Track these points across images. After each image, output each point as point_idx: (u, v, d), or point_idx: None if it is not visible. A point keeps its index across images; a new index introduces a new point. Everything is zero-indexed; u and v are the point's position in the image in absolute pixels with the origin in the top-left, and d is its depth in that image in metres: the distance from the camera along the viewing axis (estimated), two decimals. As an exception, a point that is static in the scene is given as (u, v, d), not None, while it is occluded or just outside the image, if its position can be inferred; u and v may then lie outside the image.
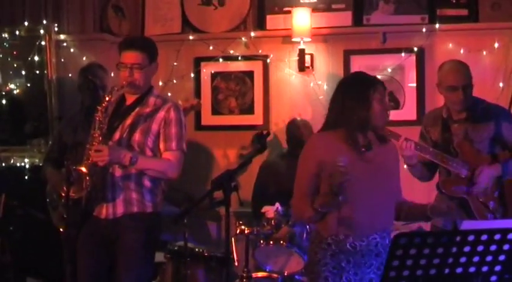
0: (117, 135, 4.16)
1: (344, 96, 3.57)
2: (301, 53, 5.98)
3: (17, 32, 6.32)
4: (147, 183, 4.18)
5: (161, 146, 4.20)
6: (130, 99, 4.26)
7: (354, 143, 3.55)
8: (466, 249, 2.83)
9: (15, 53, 6.41)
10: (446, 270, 2.86)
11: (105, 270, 4.21)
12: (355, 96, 3.52)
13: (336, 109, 3.60)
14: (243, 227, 4.83)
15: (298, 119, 5.77)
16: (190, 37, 6.26)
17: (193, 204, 4.35)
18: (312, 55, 6.06)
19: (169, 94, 6.08)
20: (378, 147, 3.62)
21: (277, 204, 4.81)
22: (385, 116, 3.57)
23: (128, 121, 4.18)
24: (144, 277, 4.20)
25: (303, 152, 3.66)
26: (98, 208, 4.20)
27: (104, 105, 4.09)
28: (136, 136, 4.15)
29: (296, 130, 5.61)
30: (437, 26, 5.85)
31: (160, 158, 4.20)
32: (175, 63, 6.26)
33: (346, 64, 6.02)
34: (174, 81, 6.27)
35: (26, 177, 6.16)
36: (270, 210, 4.82)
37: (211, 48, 6.21)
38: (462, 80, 4.46)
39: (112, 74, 5.38)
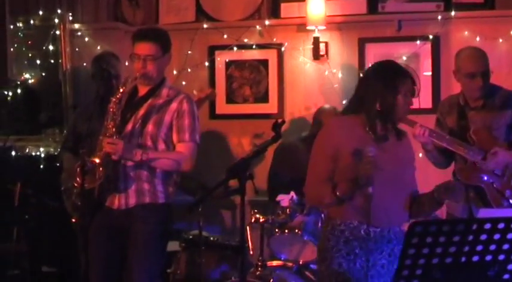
0: (129, 126, 4.17)
1: (373, 79, 3.53)
2: (316, 41, 5.95)
3: (32, 22, 6.35)
4: (159, 174, 4.19)
5: (174, 137, 4.21)
6: (143, 90, 4.27)
7: (372, 130, 3.53)
8: (483, 237, 2.81)
9: (29, 42, 6.47)
10: (463, 259, 2.84)
11: (117, 260, 4.22)
12: (384, 82, 3.48)
13: (362, 92, 3.57)
14: (257, 215, 4.84)
15: (327, 106, 5.71)
16: (205, 26, 6.23)
17: (207, 193, 4.33)
18: (326, 43, 6.02)
19: (183, 83, 6.08)
20: (394, 140, 3.60)
21: (292, 193, 4.80)
22: (406, 111, 3.55)
23: (141, 112, 4.19)
24: (155, 267, 4.21)
25: (319, 136, 3.65)
26: (110, 198, 4.21)
27: (118, 96, 4.11)
28: (149, 127, 4.16)
29: (323, 115, 5.54)
30: (452, 13, 5.79)
31: (172, 152, 4.21)
32: (189, 52, 6.24)
33: (361, 52, 5.98)
34: (188, 70, 6.24)
35: (41, 166, 6.16)
36: (285, 199, 4.82)
37: (225, 36, 6.18)
38: (481, 66, 4.43)
39: (126, 63, 5.37)
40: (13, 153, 6.07)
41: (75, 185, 4.13)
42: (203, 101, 5.62)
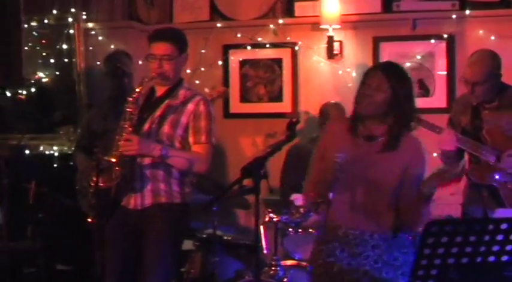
0: (146, 127, 4.16)
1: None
2: (330, 40, 5.94)
3: (46, 21, 6.36)
4: (175, 174, 4.18)
5: (191, 139, 4.20)
6: (160, 90, 4.27)
7: (352, 132, 3.50)
8: (499, 237, 2.81)
9: (44, 41, 6.47)
10: (479, 259, 2.84)
11: (133, 260, 4.21)
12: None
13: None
14: (272, 214, 4.81)
15: (332, 101, 5.73)
16: (219, 24, 6.24)
17: (222, 192, 4.34)
18: (340, 42, 6.02)
19: (197, 82, 6.09)
20: (383, 145, 3.44)
21: (307, 192, 4.81)
22: (362, 102, 3.45)
23: (158, 113, 4.18)
24: (171, 267, 4.21)
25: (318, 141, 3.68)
26: (126, 198, 4.21)
27: (134, 96, 4.08)
28: (166, 128, 4.15)
29: (327, 112, 5.57)
30: (467, 12, 5.77)
31: (190, 152, 4.20)
32: (203, 51, 6.24)
33: (376, 51, 5.97)
34: (202, 69, 6.25)
35: (55, 165, 6.21)
36: (299, 198, 4.81)
37: (239, 35, 6.19)
38: (477, 76, 4.41)
39: (140, 62, 5.39)
40: (27, 152, 6.09)
41: (91, 184, 4.12)
42: (215, 99, 5.62)
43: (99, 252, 4.26)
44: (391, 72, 3.47)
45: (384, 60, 5.79)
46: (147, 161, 4.13)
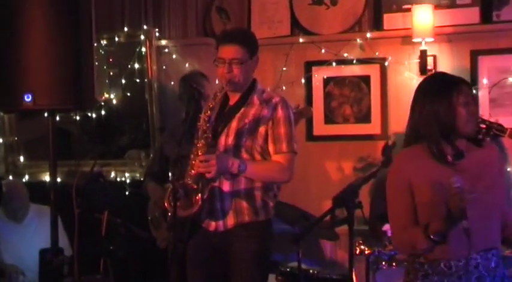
0: (222, 141, 4.20)
1: (423, 101, 3.42)
2: (423, 54, 5.91)
3: (116, 39, 6.46)
4: (258, 188, 4.21)
5: (270, 148, 4.21)
6: (233, 98, 4.31)
7: (439, 155, 3.39)
8: None
9: (111, 60, 6.56)
10: None
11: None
12: (433, 99, 3.37)
13: (415, 118, 3.45)
14: (362, 246, 4.83)
15: None
16: (301, 40, 6.28)
17: (314, 223, 4.33)
18: (434, 56, 5.98)
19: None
20: (473, 153, 3.45)
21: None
22: (473, 122, 3.41)
23: (234, 124, 4.22)
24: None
25: (389, 176, 3.55)
26: (206, 220, 4.25)
27: (207, 113, 4.13)
28: (244, 140, 4.18)
29: None
30: None
31: (270, 161, 4.22)
32: (284, 68, 6.30)
33: (474, 66, 5.91)
34: (283, 87, 6.28)
35: (127, 193, 6.31)
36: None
37: (323, 51, 6.20)
38: None
39: (217, 82, 5.45)
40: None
41: (168, 213, 4.15)
42: (297, 118, 5.62)
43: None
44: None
45: (482, 76, 5.77)
46: (226, 178, 4.16)
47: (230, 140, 4.19)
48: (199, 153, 4.09)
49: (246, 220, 4.19)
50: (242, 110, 4.25)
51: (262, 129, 4.19)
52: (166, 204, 4.15)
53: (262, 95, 4.29)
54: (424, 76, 5.81)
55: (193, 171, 4.09)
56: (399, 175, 3.48)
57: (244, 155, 4.18)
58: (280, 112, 4.21)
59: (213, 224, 4.22)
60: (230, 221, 4.20)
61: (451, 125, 3.37)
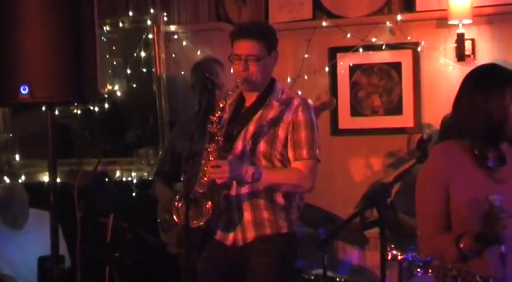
0: (239, 146, 4.13)
1: (471, 95, 3.34)
2: (460, 38, 5.81)
3: (120, 24, 6.41)
4: (279, 199, 4.14)
5: (290, 154, 4.13)
6: (250, 98, 4.23)
7: (481, 158, 3.31)
8: None
9: (114, 48, 6.55)
10: None
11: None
12: (486, 95, 3.29)
13: (461, 112, 3.37)
14: (395, 251, 4.78)
15: None
16: (324, 24, 6.20)
17: (341, 226, 4.30)
18: (473, 40, 5.88)
19: (299, 92, 5.99)
20: None
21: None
22: None
23: (251, 128, 4.15)
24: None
25: (424, 172, 3.45)
26: (223, 232, 4.19)
27: (217, 115, 4.06)
28: (262, 146, 4.11)
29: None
30: None
31: (289, 169, 4.14)
32: (306, 56, 6.23)
33: (519, 50, 5.80)
34: (305, 77, 6.22)
35: (134, 194, 6.26)
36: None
37: (349, 36, 6.13)
38: None
39: (232, 71, 5.34)
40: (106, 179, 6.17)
41: (175, 219, 4.11)
42: (319, 110, 5.53)
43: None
44: None
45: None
46: (244, 186, 4.09)
47: (248, 146, 4.13)
48: (211, 158, 4.02)
49: (267, 233, 4.13)
50: (260, 112, 4.19)
51: (281, 135, 4.13)
52: (175, 217, 4.11)
53: (282, 95, 4.24)
54: (461, 62, 5.77)
55: (205, 179, 4.02)
56: (437, 172, 3.37)
57: (263, 162, 4.12)
58: (301, 115, 4.14)
59: (231, 237, 4.17)
60: (250, 233, 4.14)
61: (501, 126, 3.29)
